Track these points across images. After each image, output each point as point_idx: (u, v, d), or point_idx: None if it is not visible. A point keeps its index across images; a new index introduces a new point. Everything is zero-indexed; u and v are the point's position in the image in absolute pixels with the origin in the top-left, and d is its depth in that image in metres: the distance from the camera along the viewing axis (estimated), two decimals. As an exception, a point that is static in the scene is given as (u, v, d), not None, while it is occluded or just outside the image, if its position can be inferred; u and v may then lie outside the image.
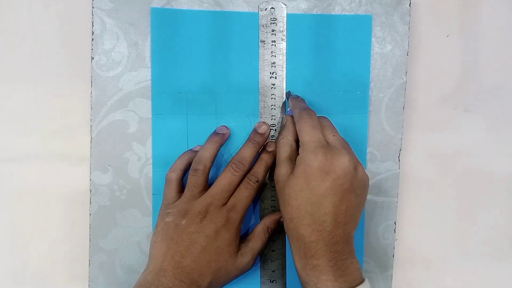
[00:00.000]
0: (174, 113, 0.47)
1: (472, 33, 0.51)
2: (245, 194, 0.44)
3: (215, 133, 0.46)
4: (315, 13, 0.47)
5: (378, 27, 0.48)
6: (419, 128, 0.51)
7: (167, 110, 0.47)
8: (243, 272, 0.44)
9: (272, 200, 0.48)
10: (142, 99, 0.46)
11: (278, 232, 0.47)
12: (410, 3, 0.48)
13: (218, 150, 0.45)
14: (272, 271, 0.48)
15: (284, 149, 0.43)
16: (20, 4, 0.47)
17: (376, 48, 0.48)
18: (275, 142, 0.46)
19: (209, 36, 0.46)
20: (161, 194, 0.46)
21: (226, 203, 0.44)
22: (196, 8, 0.46)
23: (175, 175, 0.45)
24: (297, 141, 0.44)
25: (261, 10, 0.47)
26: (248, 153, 0.45)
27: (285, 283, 0.48)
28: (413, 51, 0.50)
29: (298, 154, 0.42)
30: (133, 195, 0.47)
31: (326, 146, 0.41)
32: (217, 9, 0.46)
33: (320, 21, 0.47)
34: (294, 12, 0.47)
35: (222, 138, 0.46)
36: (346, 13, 0.47)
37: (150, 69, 0.46)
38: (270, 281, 0.48)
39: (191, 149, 0.47)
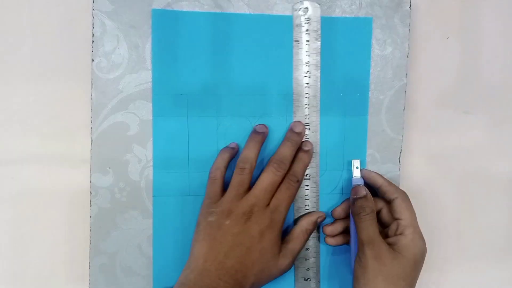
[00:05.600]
0: (175, 114, 0.47)
1: (472, 35, 0.51)
2: (287, 194, 0.45)
3: (256, 132, 0.46)
4: (315, 15, 0.47)
5: (378, 29, 0.48)
6: (420, 129, 0.51)
7: (168, 112, 0.46)
8: (283, 273, 0.45)
9: (306, 199, 0.48)
10: (142, 101, 0.46)
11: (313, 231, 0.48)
12: (410, 5, 0.48)
13: (260, 149, 0.46)
14: (307, 270, 0.49)
15: (376, 224, 0.44)
16: (21, 6, 0.47)
17: (376, 50, 0.48)
18: (358, 214, 0.45)
19: (208, 38, 0.46)
20: (161, 195, 0.46)
21: (268, 204, 0.44)
22: (197, 10, 0.46)
23: (219, 173, 0.45)
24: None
25: (295, 10, 0.47)
26: (287, 153, 0.46)
27: (319, 282, 0.49)
28: (413, 53, 0.50)
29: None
30: (133, 197, 0.47)
31: (420, 230, 0.45)
32: (217, 11, 0.46)
33: (321, 23, 0.47)
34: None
35: (263, 136, 0.46)
36: (347, 15, 0.47)
37: (150, 71, 0.46)
38: (304, 279, 0.49)
39: (227, 146, 0.47)
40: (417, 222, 0.45)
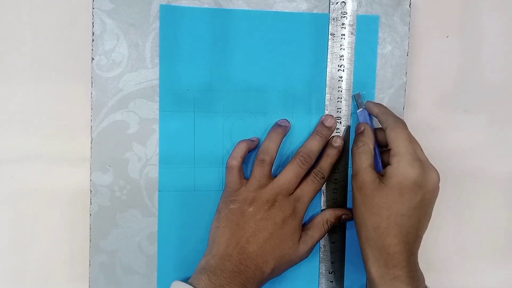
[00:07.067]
0: (181, 110, 0.47)
1: (472, 34, 0.51)
2: (311, 188, 0.46)
3: (278, 125, 0.47)
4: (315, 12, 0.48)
5: (378, 28, 0.48)
6: (419, 128, 0.51)
7: (174, 107, 0.47)
8: (302, 259, 0.46)
9: (334, 193, 0.49)
10: (142, 100, 0.46)
11: (339, 225, 0.48)
12: (410, 4, 0.48)
13: (281, 142, 0.46)
14: (332, 263, 0.49)
15: (366, 156, 0.44)
16: (21, 5, 0.47)
17: (376, 48, 0.48)
18: (353, 149, 0.45)
19: (215, 34, 0.47)
20: (167, 191, 0.47)
21: (292, 193, 0.45)
22: (197, 6, 0.46)
23: (236, 163, 0.45)
24: (374, 149, 0.45)
25: (333, 4, 0.47)
26: (316, 147, 0.46)
27: (343, 274, 0.49)
28: (413, 51, 0.50)
29: (375, 162, 0.45)
30: (133, 195, 0.47)
31: (420, 160, 0.42)
32: (216, 7, 0.47)
33: (321, 21, 0.47)
34: (295, 11, 0.47)
35: (284, 130, 0.47)
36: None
37: (150, 70, 0.46)
38: (329, 272, 0.49)
39: (248, 139, 0.47)
40: (410, 149, 0.42)
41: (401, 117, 0.48)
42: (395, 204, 0.41)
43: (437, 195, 0.44)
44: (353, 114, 0.48)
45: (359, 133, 0.46)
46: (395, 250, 0.41)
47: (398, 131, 0.43)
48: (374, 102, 0.47)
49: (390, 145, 0.43)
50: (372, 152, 0.44)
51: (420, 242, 0.44)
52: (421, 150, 0.44)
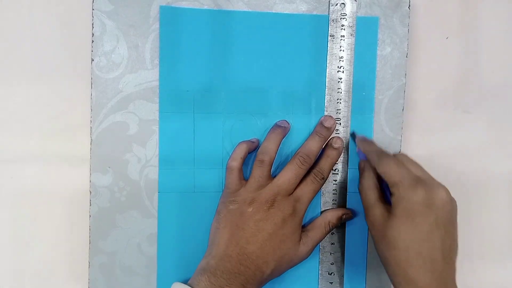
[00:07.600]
0: (181, 111, 0.47)
1: (471, 35, 0.51)
2: (311, 188, 0.45)
3: (277, 126, 0.47)
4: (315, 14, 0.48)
5: (377, 29, 0.48)
6: (419, 129, 0.51)
7: (174, 109, 0.47)
8: (302, 260, 0.46)
9: (333, 194, 0.49)
10: (142, 101, 0.46)
11: (338, 226, 0.48)
12: (409, 5, 0.48)
13: (281, 142, 0.46)
14: (331, 264, 0.49)
15: (372, 192, 0.44)
16: (21, 6, 0.47)
17: (376, 50, 0.48)
18: (359, 188, 0.45)
19: (215, 35, 0.47)
20: (166, 192, 0.47)
21: (291, 193, 0.45)
22: (196, 7, 0.46)
23: (236, 164, 0.45)
24: (379, 184, 0.45)
25: (332, 5, 0.47)
26: (315, 147, 0.46)
27: (342, 276, 0.49)
28: (412, 53, 0.50)
29: (383, 195, 0.43)
30: (133, 196, 0.47)
31: (421, 180, 0.40)
32: (216, 8, 0.47)
33: (321, 22, 0.47)
34: (294, 12, 0.47)
35: (284, 130, 0.47)
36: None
37: (150, 71, 0.46)
38: (329, 273, 0.49)
39: (248, 140, 0.47)
40: (404, 173, 0.41)
41: (400, 118, 0.49)
42: (408, 232, 0.39)
43: (453, 211, 0.41)
44: (353, 115, 0.48)
45: (360, 172, 0.46)
46: (424, 283, 0.39)
47: (382, 164, 0.42)
48: (361, 140, 0.47)
49: (385, 180, 0.42)
50: (376, 186, 0.44)
51: (453, 268, 0.40)
52: (421, 169, 0.43)
